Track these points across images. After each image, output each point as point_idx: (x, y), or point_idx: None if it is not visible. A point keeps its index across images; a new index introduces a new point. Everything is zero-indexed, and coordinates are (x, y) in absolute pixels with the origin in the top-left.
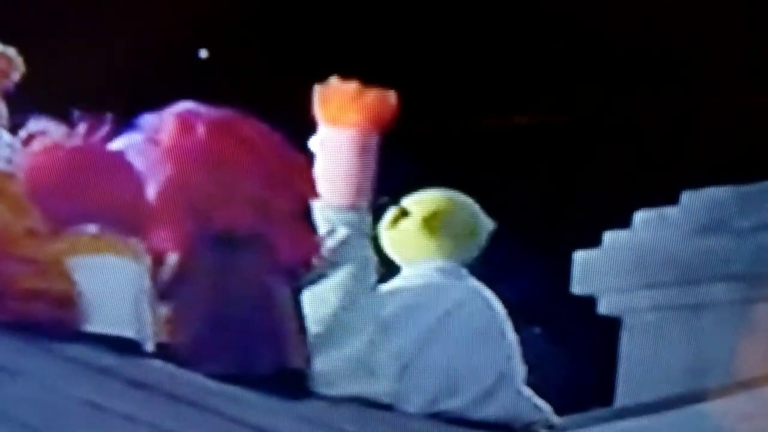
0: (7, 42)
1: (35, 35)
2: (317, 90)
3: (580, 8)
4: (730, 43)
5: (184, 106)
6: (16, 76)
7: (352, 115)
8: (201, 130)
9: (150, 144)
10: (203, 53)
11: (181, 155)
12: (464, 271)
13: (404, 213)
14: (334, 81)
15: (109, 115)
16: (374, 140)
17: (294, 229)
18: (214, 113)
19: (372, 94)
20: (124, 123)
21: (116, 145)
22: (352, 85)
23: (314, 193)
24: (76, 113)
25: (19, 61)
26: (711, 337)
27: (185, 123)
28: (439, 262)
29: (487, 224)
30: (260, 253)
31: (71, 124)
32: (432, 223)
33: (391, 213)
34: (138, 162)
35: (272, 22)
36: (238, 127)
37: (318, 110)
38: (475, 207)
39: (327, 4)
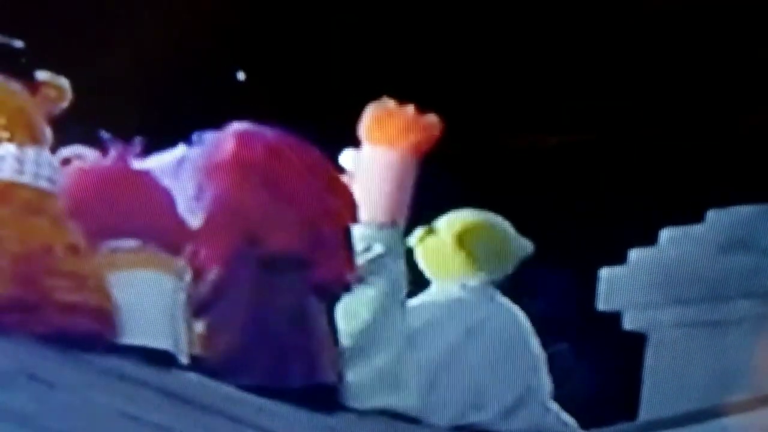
0: (51, 67)
1: (75, 59)
2: (371, 111)
3: (610, 29)
4: (758, 61)
5: (244, 126)
6: (64, 104)
7: (409, 138)
8: (259, 150)
9: (207, 160)
10: (241, 75)
11: (238, 174)
12: (492, 289)
13: (431, 231)
14: (387, 102)
15: (139, 138)
16: (414, 160)
17: (334, 250)
18: (272, 135)
19: (426, 119)
20: (163, 145)
21: (171, 157)
22: (410, 109)
23: (356, 220)
24: (107, 136)
25: (68, 92)
26: (735, 352)
27: (244, 142)
28: (469, 280)
29: (524, 247)
30: (299, 272)
31: (104, 147)
32: (464, 241)
33: (421, 231)
34: (193, 176)
35: (303, 44)
36: (293, 151)
37: (369, 130)
38: (510, 230)
39: (355, 27)
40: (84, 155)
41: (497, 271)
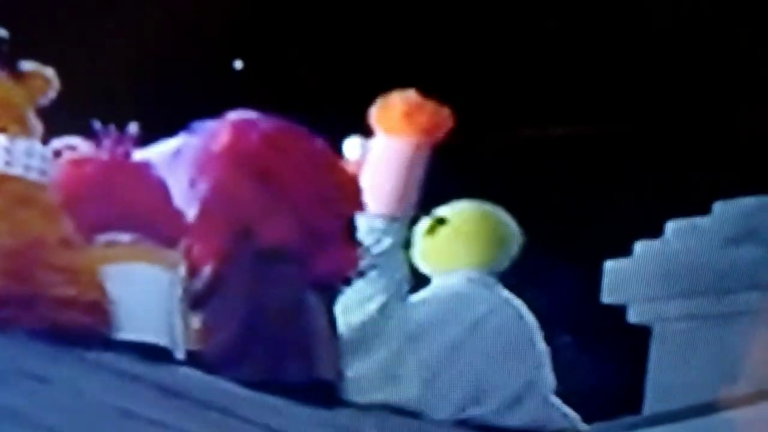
0: (41, 57)
1: (67, 48)
2: (385, 101)
3: (615, 22)
4: (762, 53)
5: (241, 115)
6: (52, 94)
7: (414, 125)
8: (255, 141)
9: (201, 151)
10: (238, 64)
11: (232, 166)
12: (495, 281)
13: (441, 222)
14: (405, 94)
15: (133, 128)
16: (426, 152)
17: (335, 244)
18: (270, 125)
19: (432, 107)
20: (156, 136)
21: (168, 147)
22: (415, 96)
23: (361, 208)
24: (99, 126)
25: (55, 81)
26: (740, 345)
27: (240, 133)
28: (471, 273)
29: (518, 236)
30: (297, 267)
31: (98, 138)
32: (464, 232)
33: (427, 222)
34: (188, 167)
35: (302, 29)
36: (291, 141)
37: (379, 119)
38: (506, 217)
39: (363, 17)
40: (76, 146)
41: (499, 260)
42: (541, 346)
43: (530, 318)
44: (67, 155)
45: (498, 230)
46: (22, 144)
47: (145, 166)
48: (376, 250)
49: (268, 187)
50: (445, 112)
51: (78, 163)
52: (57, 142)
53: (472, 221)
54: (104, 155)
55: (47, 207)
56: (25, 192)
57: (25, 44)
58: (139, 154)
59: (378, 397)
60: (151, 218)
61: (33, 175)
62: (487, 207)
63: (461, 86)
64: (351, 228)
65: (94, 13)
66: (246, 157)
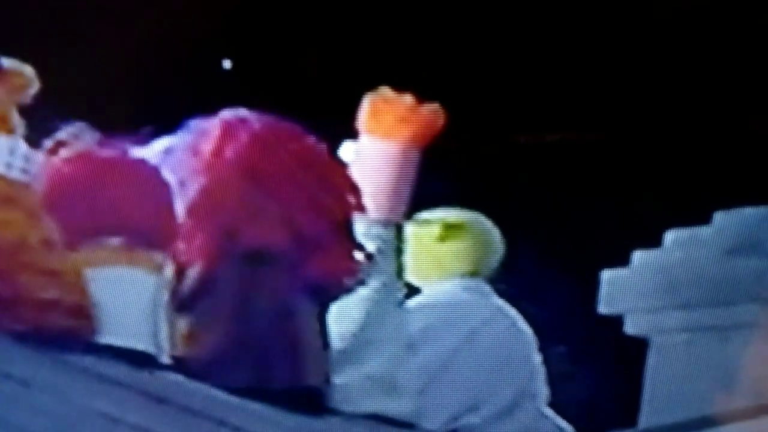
0: (27, 53)
1: (58, 45)
2: (368, 100)
3: (616, 27)
4: (763, 61)
5: (232, 113)
6: (31, 92)
7: (407, 128)
8: (244, 140)
9: (190, 151)
10: (227, 64)
11: (217, 166)
12: (488, 288)
13: (427, 223)
14: (386, 92)
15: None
16: (417, 155)
17: (328, 248)
18: (261, 124)
19: (425, 109)
20: (149, 135)
21: (159, 146)
22: (408, 99)
23: (360, 210)
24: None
25: (34, 79)
26: (740, 358)
27: (228, 131)
28: (464, 281)
29: (500, 237)
30: (287, 270)
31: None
32: (449, 237)
33: (415, 226)
34: (177, 167)
35: (293, 32)
36: (283, 141)
37: (368, 121)
38: (487, 222)
39: (355, 16)
40: (83, 136)
41: (490, 266)
42: (536, 356)
43: (526, 328)
44: (63, 152)
45: (482, 235)
46: (3, 142)
47: (142, 165)
48: (366, 255)
49: (255, 187)
50: (435, 111)
51: (71, 160)
52: (63, 132)
53: (457, 228)
54: (98, 153)
55: (30, 207)
56: (7, 191)
57: (5, 41)
58: (133, 153)
59: (369, 406)
60: (143, 221)
61: (15, 174)
62: (468, 213)
63: (456, 90)
64: (348, 231)
65: (80, 10)
66: (233, 157)
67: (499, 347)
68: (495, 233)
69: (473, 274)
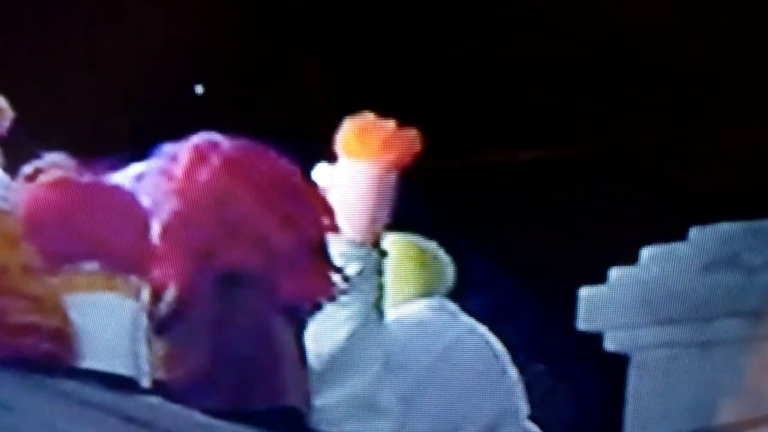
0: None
1: (30, 74)
2: (351, 124)
3: (587, 44)
4: (743, 75)
5: (204, 137)
6: (5, 123)
7: (390, 151)
8: (214, 164)
9: (162, 175)
10: (199, 89)
11: (189, 189)
12: (455, 307)
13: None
14: (368, 116)
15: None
16: (395, 177)
17: (303, 268)
18: (232, 147)
19: (404, 132)
20: (127, 159)
21: (132, 171)
22: (391, 123)
23: (334, 231)
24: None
25: (8, 109)
26: (720, 374)
27: (200, 155)
28: (427, 301)
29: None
30: (262, 291)
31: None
32: (404, 262)
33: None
34: (151, 191)
35: (283, 53)
36: (253, 163)
37: (349, 144)
38: (426, 241)
39: (334, 39)
40: (62, 164)
41: (445, 284)
42: (512, 372)
43: (497, 344)
44: (41, 178)
45: (427, 253)
46: None
47: (118, 190)
48: (345, 275)
49: (230, 210)
50: (413, 134)
51: (48, 187)
52: (39, 162)
53: (406, 250)
54: (76, 179)
55: (9, 234)
56: None
57: None
58: (109, 179)
59: (351, 427)
60: (120, 247)
61: None
62: (407, 235)
63: (431, 110)
64: (322, 251)
65: (53, 38)
66: (204, 180)
67: (473, 364)
68: (437, 250)
69: (433, 292)
